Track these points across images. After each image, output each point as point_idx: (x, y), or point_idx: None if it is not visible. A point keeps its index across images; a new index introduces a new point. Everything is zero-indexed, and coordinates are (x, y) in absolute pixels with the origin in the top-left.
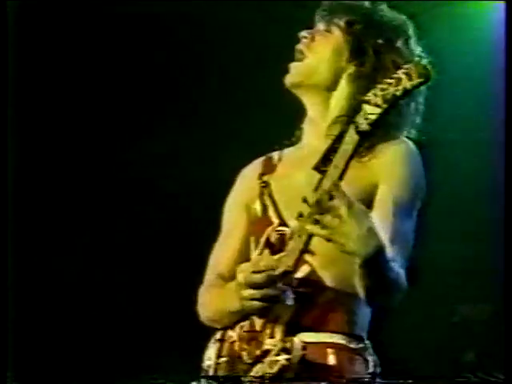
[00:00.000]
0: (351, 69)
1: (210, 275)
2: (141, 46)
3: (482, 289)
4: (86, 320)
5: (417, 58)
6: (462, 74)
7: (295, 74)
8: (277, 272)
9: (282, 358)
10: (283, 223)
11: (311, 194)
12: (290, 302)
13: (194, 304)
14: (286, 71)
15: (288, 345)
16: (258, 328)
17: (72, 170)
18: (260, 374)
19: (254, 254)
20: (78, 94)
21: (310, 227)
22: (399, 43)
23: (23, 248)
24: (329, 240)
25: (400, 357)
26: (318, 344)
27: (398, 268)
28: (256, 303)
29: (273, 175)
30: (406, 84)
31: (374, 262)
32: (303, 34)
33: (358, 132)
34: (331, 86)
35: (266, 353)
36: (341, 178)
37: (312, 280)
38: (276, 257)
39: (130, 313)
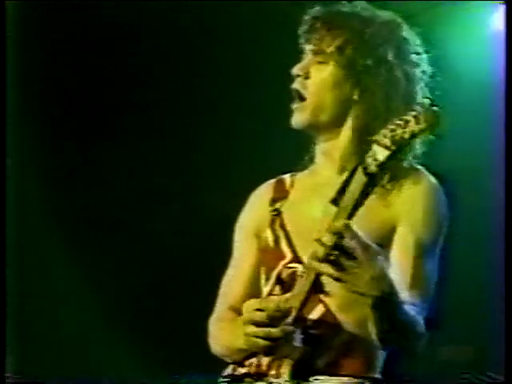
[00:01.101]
0: (356, 95)
1: (220, 306)
2: (141, 46)
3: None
4: (87, 320)
5: (426, 101)
6: (462, 74)
7: (300, 118)
8: (280, 312)
9: None
10: (296, 257)
11: (324, 233)
12: (297, 343)
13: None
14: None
15: None
16: (264, 368)
17: (72, 170)
18: None
19: (265, 290)
20: (78, 93)
21: (322, 267)
22: (397, 52)
23: (23, 248)
24: (339, 280)
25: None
26: None
27: (415, 312)
28: (259, 341)
29: (285, 202)
30: (414, 128)
31: (386, 304)
32: (296, 71)
33: (366, 173)
34: (341, 119)
35: None
36: (350, 218)
37: (326, 321)
38: (283, 297)
39: (130, 313)
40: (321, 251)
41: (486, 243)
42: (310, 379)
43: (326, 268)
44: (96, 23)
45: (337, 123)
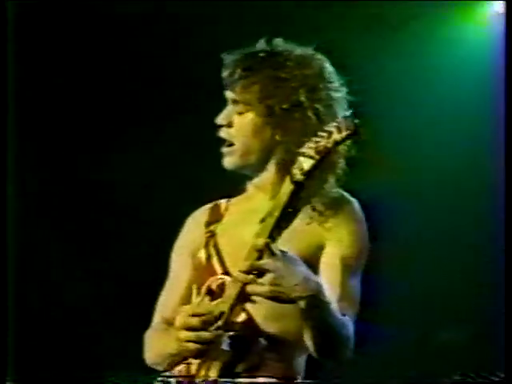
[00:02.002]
0: (278, 136)
1: (155, 319)
2: (142, 46)
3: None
4: (86, 321)
5: (347, 113)
6: (462, 75)
7: (230, 161)
8: (211, 316)
9: None
10: (226, 273)
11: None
12: (225, 346)
13: None
14: None
15: None
16: (193, 371)
17: (71, 170)
18: None
19: (195, 301)
20: (79, 93)
21: (249, 288)
22: (309, 93)
23: (23, 249)
24: (269, 297)
25: (400, 356)
26: None
27: (344, 318)
28: (191, 345)
29: (219, 225)
30: (336, 136)
31: (315, 304)
32: (219, 121)
33: (293, 182)
34: (267, 157)
35: None
36: (277, 226)
37: (250, 328)
38: (214, 302)
39: (130, 314)
40: (245, 267)
41: (487, 243)
42: (236, 381)
43: (254, 288)
44: (96, 23)
45: (264, 161)
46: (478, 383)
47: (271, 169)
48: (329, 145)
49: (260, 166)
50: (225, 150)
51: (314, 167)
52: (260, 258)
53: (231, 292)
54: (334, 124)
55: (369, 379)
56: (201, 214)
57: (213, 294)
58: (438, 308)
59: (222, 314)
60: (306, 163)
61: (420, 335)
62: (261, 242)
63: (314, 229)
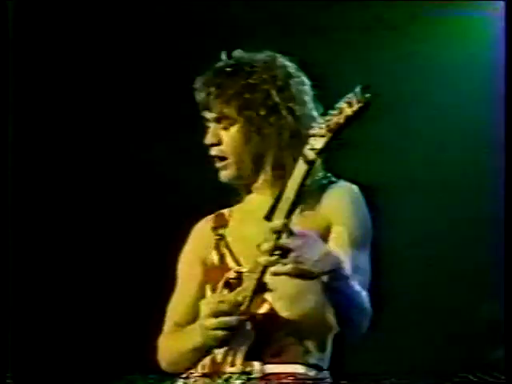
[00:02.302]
0: (264, 141)
1: (167, 325)
2: (143, 41)
3: (481, 289)
4: (87, 322)
5: (358, 88)
6: (462, 75)
7: (227, 174)
8: (235, 302)
9: (243, 379)
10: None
11: (267, 230)
12: (249, 332)
13: None
14: None
15: (248, 368)
16: (219, 360)
17: (70, 169)
18: None
19: (215, 293)
20: (79, 91)
21: (273, 269)
22: (280, 91)
23: (24, 249)
24: (293, 275)
25: (400, 355)
26: (279, 374)
27: (362, 290)
28: (218, 332)
29: (226, 229)
30: (348, 112)
31: (337, 277)
32: (208, 141)
33: (306, 162)
34: (261, 162)
35: (227, 380)
36: (293, 207)
37: (271, 315)
38: (235, 291)
39: (131, 314)
40: (266, 248)
41: (487, 242)
42: (260, 366)
43: (278, 268)
44: (96, 20)
45: (258, 168)
46: (478, 383)
47: (266, 173)
48: (341, 121)
49: (255, 173)
50: (219, 165)
51: (327, 145)
52: (279, 239)
53: (252, 278)
54: (344, 100)
55: (368, 378)
56: (206, 222)
57: (230, 286)
58: (437, 307)
59: (245, 299)
60: (318, 142)
61: (419, 335)
62: (279, 223)
63: (319, 215)
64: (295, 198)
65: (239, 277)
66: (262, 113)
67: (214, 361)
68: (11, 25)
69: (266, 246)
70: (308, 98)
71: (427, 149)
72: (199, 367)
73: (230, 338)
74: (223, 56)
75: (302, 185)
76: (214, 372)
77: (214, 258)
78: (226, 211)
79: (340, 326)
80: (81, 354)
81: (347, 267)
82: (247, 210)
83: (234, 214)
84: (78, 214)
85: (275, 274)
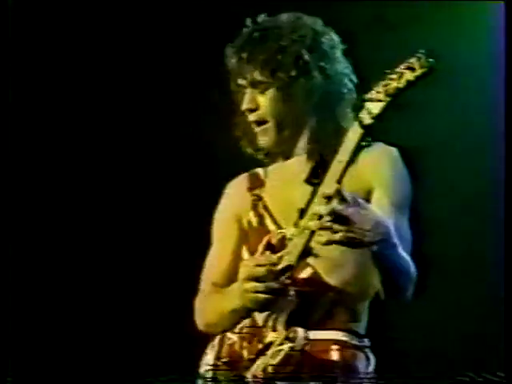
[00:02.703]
0: (300, 103)
1: (204, 286)
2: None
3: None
4: (86, 322)
5: (421, 53)
6: (462, 75)
7: (267, 139)
8: (279, 266)
9: (286, 346)
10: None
11: (315, 196)
12: (291, 297)
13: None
14: None
15: (291, 334)
16: (260, 323)
17: (70, 169)
18: (262, 367)
19: (256, 255)
20: (79, 87)
21: (322, 234)
22: (311, 50)
23: (24, 249)
24: (342, 243)
25: (400, 355)
26: (322, 341)
27: (407, 256)
28: (259, 295)
29: (263, 189)
30: (409, 76)
31: (387, 247)
32: (246, 107)
33: (363, 126)
34: (301, 128)
35: (269, 345)
36: (345, 172)
37: (315, 281)
38: (278, 254)
39: (131, 315)
40: (316, 212)
41: (488, 241)
42: (304, 333)
43: (328, 235)
44: (96, 17)
45: (298, 129)
46: (478, 383)
47: (304, 135)
48: (400, 85)
49: (294, 136)
50: (258, 129)
51: (384, 110)
52: (329, 204)
53: (298, 242)
54: (405, 64)
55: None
56: (240, 182)
57: (273, 248)
58: (437, 306)
59: (289, 265)
60: (375, 107)
61: (419, 334)
62: (332, 188)
63: (361, 175)
64: (348, 162)
65: (282, 240)
66: (293, 74)
67: (254, 322)
68: (11, 24)
69: (316, 210)
70: (339, 55)
71: (425, 147)
72: (237, 329)
73: (271, 302)
74: (249, 22)
75: (357, 149)
76: (254, 335)
77: (252, 219)
78: (260, 171)
79: (386, 294)
80: (81, 354)
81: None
82: (285, 171)
83: (270, 174)
84: (79, 216)
85: (325, 243)
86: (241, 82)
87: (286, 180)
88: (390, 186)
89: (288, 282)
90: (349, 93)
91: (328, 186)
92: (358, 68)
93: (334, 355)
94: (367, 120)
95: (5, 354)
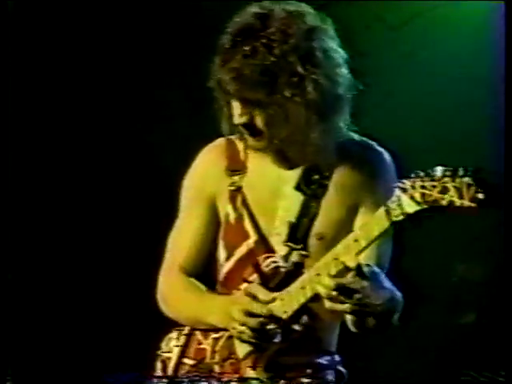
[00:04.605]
0: (297, 116)
1: (169, 263)
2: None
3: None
4: (86, 322)
5: (468, 179)
6: (462, 74)
7: (259, 146)
8: (273, 318)
9: None
10: (261, 238)
11: (329, 263)
12: (277, 339)
13: None
14: None
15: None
16: (239, 355)
17: (70, 168)
18: None
19: (226, 267)
20: (79, 87)
21: (330, 304)
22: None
23: (24, 249)
24: (347, 312)
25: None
26: (295, 366)
27: (400, 297)
28: (245, 336)
29: (243, 177)
30: (455, 199)
31: (390, 314)
32: (239, 121)
33: (390, 220)
34: (294, 136)
35: (243, 380)
36: (361, 252)
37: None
38: (272, 295)
39: (131, 315)
40: (330, 283)
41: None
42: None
43: (337, 306)
44: (95, 16)
45: (291, 139)
46: (480, 382)
47: (298, 146)
48: (443, 202)
49: (287, 145)
50: (251, 138)
51: (418, 213)
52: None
53: (299, 296)
54: (453, 184)
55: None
56: (218, 156)
57: (262, 274)
58: (437, 306)
59: (280, 318)
60: (410, 206)
61: (419, 333)
62: (353, 262)
63: (348, 194)
64: (365, 247)
65: (275, 270)
66: (288, 94)
67: (232, 349)
68: (11, 24)
69: (329, 283)
70: (334, 53)
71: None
72: (210, 339)
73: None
74: (236, 18)
75: (377, 238)
76: (229, 358)
77: (231, 215)
78: (238, 143)
79: (378, 332)
80: (81, 354)
81: (373, 250)
82: (271, 169)
83: (250, 157)
84: (79, 217)
85: (329, 308)
86: (230, 96)
87: (270, 179)
88: (376, 198)
89: (276, 331)
90: (345, 99)
91: (349, 257)
92: (357, 67)
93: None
94: (397, 216)
95: (5, 354)
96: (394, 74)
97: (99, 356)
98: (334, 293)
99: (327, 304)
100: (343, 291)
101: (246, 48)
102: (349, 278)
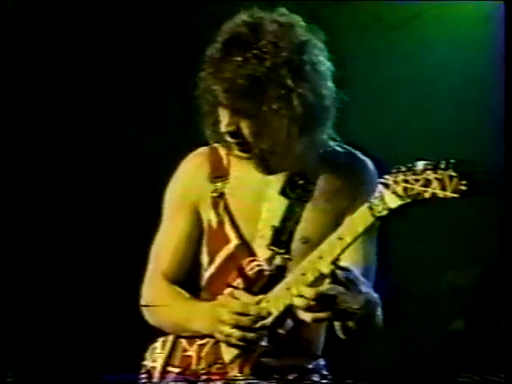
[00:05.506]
0: (282, 129)
1: (153, 269)
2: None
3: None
4: (86, 322)
5: (450, 171)
6: (462, 74)
7: (246, 157)
8: (259, 318)
9: None
10: (243, 242)
11: (309, 267)
12: (264, 342)
13: None
14: None
15: None
16: (226, 359)
17: (69, 167)
18: None
19: (208, 271)
20: (79, 88)
21: (310, 315)
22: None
23: (24, 249)
24: (327, 320)
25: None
26: (280, 368)
27: (377, 299)
28: (232, 339)
29: (226, 183)
30: (438, 191)
31: (369, 319)
32: (226, 129)
33: (374, 216)
34: (279, 147)
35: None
36: (342, 252)
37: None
38: (257, 298)
39: (130, 313)
40: (306, 292)
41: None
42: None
43: (317, 315)
44: (95, 15)
45: (276, 149)
46: (480, 383)
47: (283, 153)
48: (426, 194)
49: (273, 155)
50: (237, 148)
51: (401, 207)
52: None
53: (285, 298)
54: (436, 175)
55: (371, 379)
56: (199, 163)
57: (246, 277)
58: (437, 306)
59: (270, 318)
60: (393, 201)
61: (420, 332)
62: (327, 268)
63: (332, 204)
64: (349, 244)
65: (259, 273)
66: (275, 107)
67: (219, 354)
68: (11, 24)
69: (303, 291)
70: (322, 67)
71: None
72: (195, 346)
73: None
74: (227, 28)
75: (361, 234)
76: (216, 363)
77: (212, 220)
78: (222, 152)
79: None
80: (81, 354)
81: (358, 255)
82: (253, 174)
83: (233, 162)
84: (79, 217)
85: (313, 320)
86: (220, 100)
87: (253, 184)
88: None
89: (265, 333)
90: (330, 111)
91: (323, 263)
92: (357, 67)
93: None
94: (381, 212)
95: (5, 354)
96: (393, 75)
97: (98, 356)
98: (313, 302)
99: (307, 316)
100: (320, 299)
101: (238, 58)
102: (325, 285)
